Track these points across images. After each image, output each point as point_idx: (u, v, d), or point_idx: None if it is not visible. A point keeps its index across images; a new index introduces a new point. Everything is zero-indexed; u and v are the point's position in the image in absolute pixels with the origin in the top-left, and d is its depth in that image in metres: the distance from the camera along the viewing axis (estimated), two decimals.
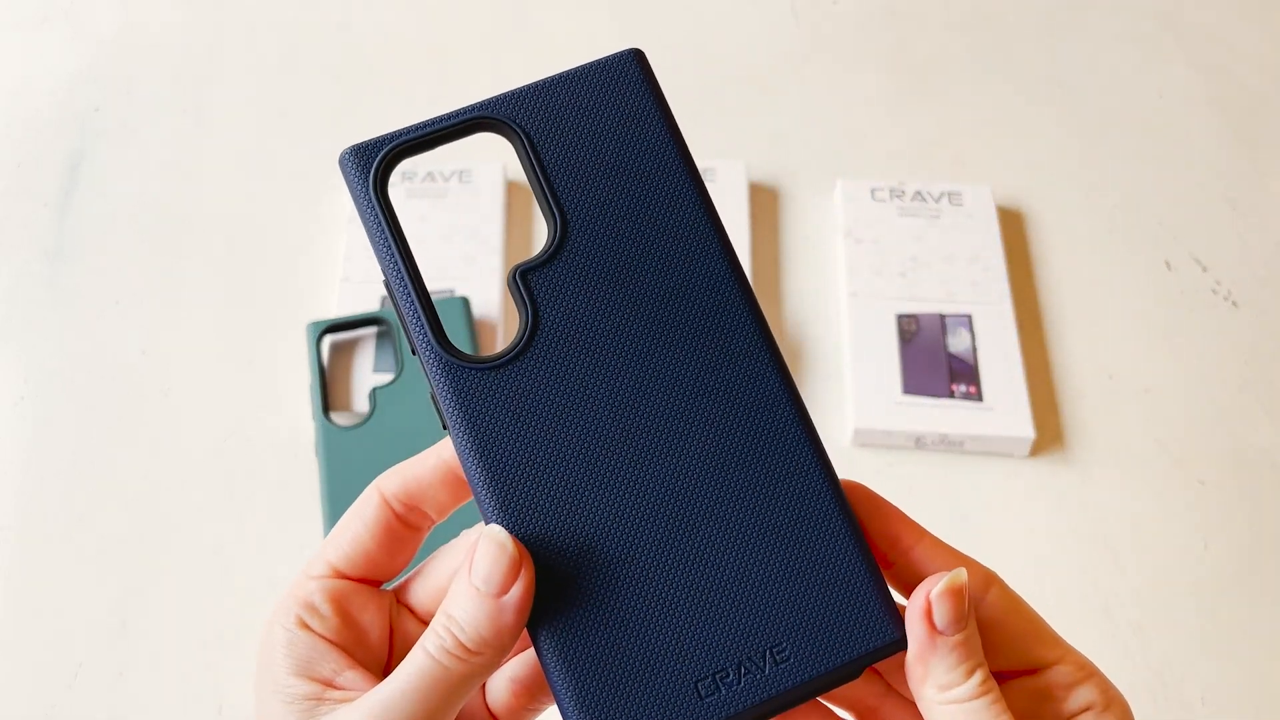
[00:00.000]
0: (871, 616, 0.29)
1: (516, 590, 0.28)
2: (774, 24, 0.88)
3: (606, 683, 0.29)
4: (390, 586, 0.33)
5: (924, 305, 0.71)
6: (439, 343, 0.30)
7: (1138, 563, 0.64)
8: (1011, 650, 0.31)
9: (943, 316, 0.71)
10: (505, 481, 0.29)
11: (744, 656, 0.29)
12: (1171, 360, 0.72)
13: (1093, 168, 0.81)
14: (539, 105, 0.32)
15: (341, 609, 0.31)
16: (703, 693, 0.29)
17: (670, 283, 0.31)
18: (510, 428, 0.29)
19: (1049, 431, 0.68)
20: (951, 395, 0.68)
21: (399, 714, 0.28)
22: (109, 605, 0.62)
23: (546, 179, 0.31)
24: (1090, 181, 0.80)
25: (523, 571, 0.28)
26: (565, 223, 0.31)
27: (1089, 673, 0.31)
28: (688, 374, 0.30)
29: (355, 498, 0.64)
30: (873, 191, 0.76)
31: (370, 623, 0.31)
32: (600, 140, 0.31)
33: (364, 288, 0.72)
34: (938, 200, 0.76)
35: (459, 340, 0.68)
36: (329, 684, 0.29)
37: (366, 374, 0.69)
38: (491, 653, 0.28)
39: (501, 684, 0.33)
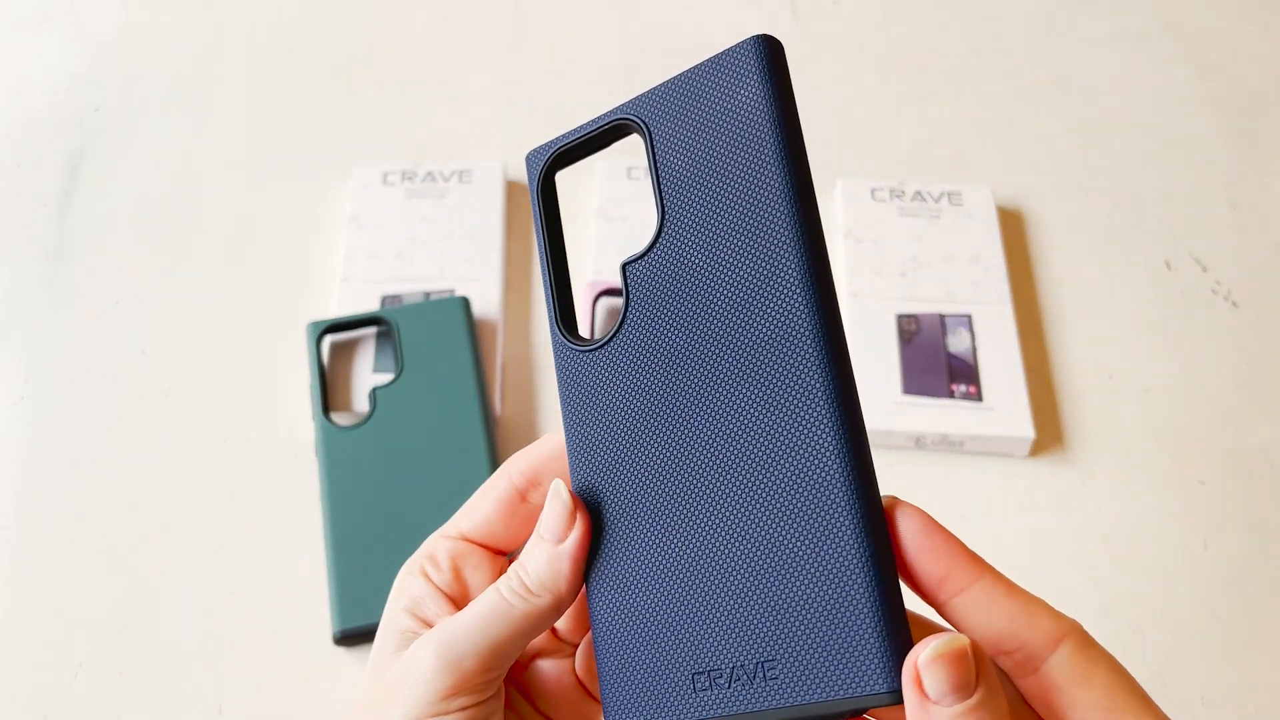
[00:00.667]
0: (867, 661, 0.27)
1: (572, 539, 0.31)
2: (774, 24, 0.88)
3: (627, 652, 0.31)
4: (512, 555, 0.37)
5: (924, 305, 0.71)
6: (559, 323, 0.34)
7: (1138, 563, 0.64)
8: None
9: (943, 316, 0.71)
10: (577, 448, 0.33)
11: (739, 663, 0.29)
12: (1171, 360, 0.72)
13: (1093, 168, 0.81)
14: (665, 103, 0.32)
15: (456, 566, 0.35)
16: (696, 685, 0.29)
17: (743, 288, 0.30)
18: (590, 403, 0.32)
19: (1049, 431, 0.68)
20: (951, 395, 0.68)
21: (463, 640, 0.31)
22: (109, 605, 0.62)
23: (657, 174, 0.32)
24: (1090, 181, 0.80)
25: (577, 523, 0.31)
26: (663, 220, 0.32)
27: None
28: (740, 383, 0.30)
29: (355, 498, 0.65)
30: (873, 191, 0.76)
31: (478, 581, 0.35)
32: (707, 138, 0.31)
33: (364, 288, 0.72)
34: (938, 200, 0.76)
35: (459, 340, 0.68)
36: (429, 624, 0.34)
37: (366, 374, 0.69)
38: (550, 596, 0.31)
39: (584, 648, 0.36)
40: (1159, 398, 0.70)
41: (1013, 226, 0.77)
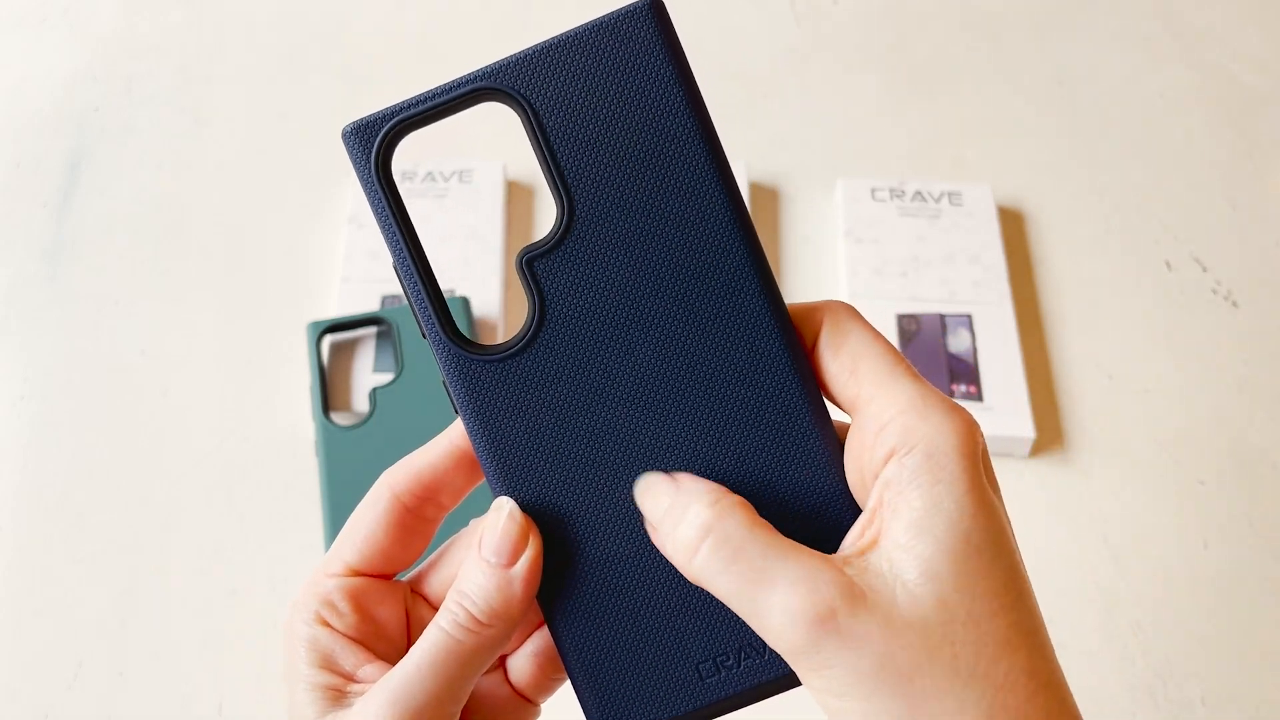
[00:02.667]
0: None
1: (524, 562, 0.29)
2: (774, 24, 0.88)
3: (613, 659, 0.30)
4: (405, 577, 0.34)
5: (924, 305, 0.71)
6: (446, 334, 0.29)
7: (1138, 563, 0.64)
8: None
9: (943, 316, 0.71)
10: (515, 467, 0.30)
11: (744, 643, 0.29)
12: (1171, 360, 0.72)
13: (1093, 168, 0.81)
14: (544, 71, 0.29)
15: (359, 605, 0.31)
16: (703, 673, 0.29)
17: (681, 272, 0.29)
18: (518, 417, 0.29)
19: (1049, 431, 0.68)
20: (952, 395, 0.68)
21: (416, 690, 0.28)
22: (109, 605, 0.62)
23: (552, 156, 0.29)
24: (1090, 181, 0.80)
25: (530, 544, 0.29)
26: (571, 205, 0.29)
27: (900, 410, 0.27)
28: (696, 365, 0.29)
29: (356, 497, 0.64)
30: (873, 191, 0.76)
31: (388, 616, 0.32)
32: (608, 110, 0.29)
33: (364, 288, 0.72)
34: (938, 200, 0.76)
35: None
36: (350, 678, 0.30)
37: (366, 374, 0.69)
38: (501, 624, 0.29)
39: (524, 659, 0.33)
40: (1159, 398, 0.70)
41: (1013, 226, 0.77)
